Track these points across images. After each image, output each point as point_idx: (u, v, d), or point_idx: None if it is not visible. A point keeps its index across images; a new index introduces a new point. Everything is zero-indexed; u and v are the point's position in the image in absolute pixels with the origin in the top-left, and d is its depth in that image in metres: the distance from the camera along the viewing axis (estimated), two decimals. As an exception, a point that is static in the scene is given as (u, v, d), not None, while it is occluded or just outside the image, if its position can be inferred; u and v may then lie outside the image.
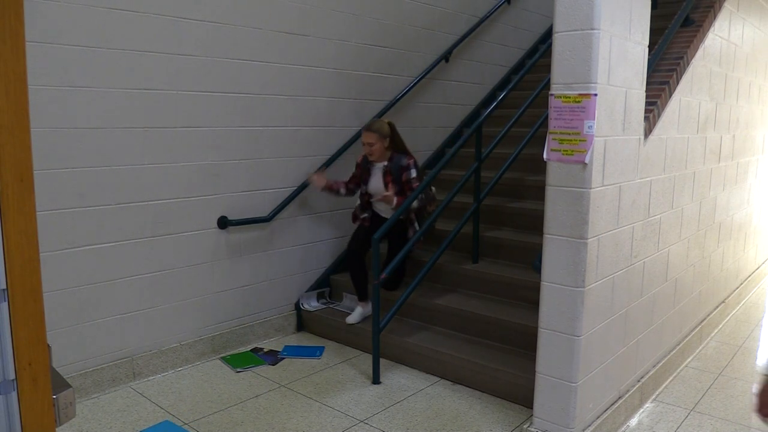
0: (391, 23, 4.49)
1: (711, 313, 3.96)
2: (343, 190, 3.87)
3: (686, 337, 3.59)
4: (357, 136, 4.25)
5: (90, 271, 3.06)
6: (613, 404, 2.77)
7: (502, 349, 3.28)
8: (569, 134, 2.36)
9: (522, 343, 3.18)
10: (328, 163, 4.07)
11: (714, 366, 3.53)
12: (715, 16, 3.44)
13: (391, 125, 3.69)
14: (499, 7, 5.40)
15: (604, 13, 2.28)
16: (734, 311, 4.47)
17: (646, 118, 2.77)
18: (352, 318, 3.79)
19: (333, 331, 3.88)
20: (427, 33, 4.80)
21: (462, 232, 3.77)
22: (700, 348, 3.79)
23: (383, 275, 3.31)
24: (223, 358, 3.59)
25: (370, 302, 3.62)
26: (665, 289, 3.21)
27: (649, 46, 2.66)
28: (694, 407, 3.03)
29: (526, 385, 2.82)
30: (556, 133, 2.41)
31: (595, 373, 2.58)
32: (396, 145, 3.72)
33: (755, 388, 1.66)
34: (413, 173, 3.64)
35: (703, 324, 3.81)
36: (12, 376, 0.81)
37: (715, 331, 4.07)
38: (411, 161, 3.67)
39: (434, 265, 3.64)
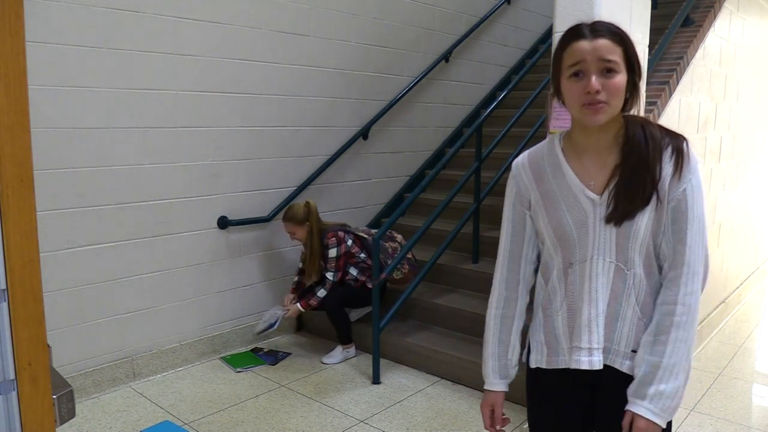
0: (391, 23, 4.49)
1: (711, 313, 3.96)
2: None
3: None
4: (357, 137, 4.26)
5: (90, 271, 3.06)
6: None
7: (502, 349, 3.28)
8: (569, 134, 2.36)
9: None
10: (328, 163, 4.07)
11: (714, 366, 3.53)
12: (715, 16, 3.45)
13: (308, 207, 3.53)
14: (499, 7, 5.40)
15: (603, 12, 2.28)
16: (734, 311, 4.47)
17: (646, 118, 2.77)
18: (330, 359, 3.55)
19: (333, 331, 3.87)
20: (427, 33, 4.80)
21: (462, 232, 3.77)
22: (700, 348, 3.79)
23: (383, 275, 3.32)
24: (223, 358, 3.59)
25: (353, 346, 3.60)
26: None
27: (649, 46, 2.66)
28: (694, 407, 3.02)
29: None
30: (555, 133, 2.41)
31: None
32: (318, 225, 3.55)
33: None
34: (331, 253, 3.47)
35: (703, 324, 3.81)
36: (12, 376, 0.81)
37: (715, 331, 4.07)
38: (332, 240, 3.48)
39: (434, 265, 3.64)
